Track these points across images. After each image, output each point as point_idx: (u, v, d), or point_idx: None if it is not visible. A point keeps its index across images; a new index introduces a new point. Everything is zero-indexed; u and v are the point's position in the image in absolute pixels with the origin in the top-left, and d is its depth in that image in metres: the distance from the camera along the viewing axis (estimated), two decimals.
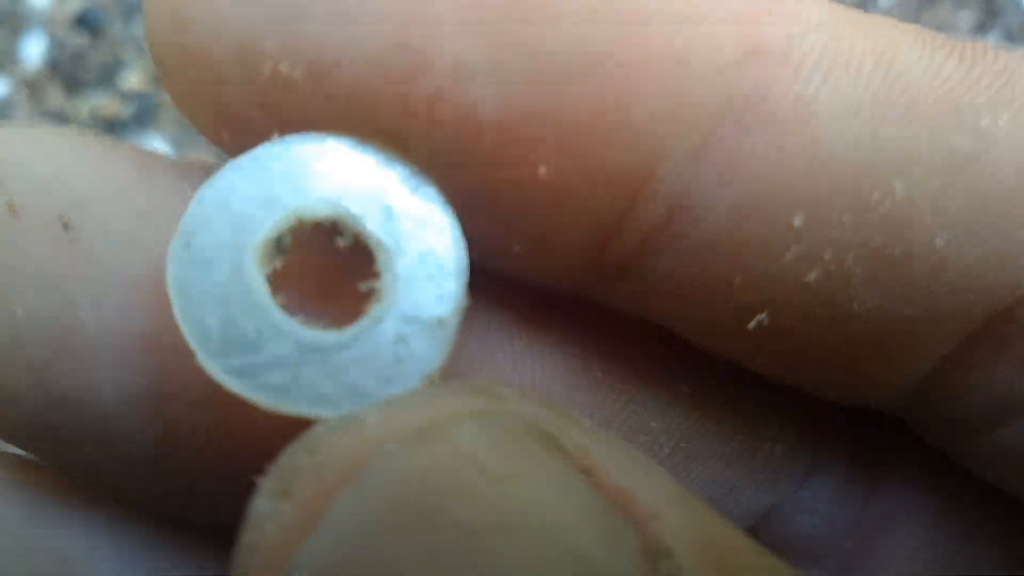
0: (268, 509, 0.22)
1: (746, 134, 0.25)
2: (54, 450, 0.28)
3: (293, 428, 0.23)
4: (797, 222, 0.26)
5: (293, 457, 0.22)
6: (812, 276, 0.26)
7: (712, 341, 0.30)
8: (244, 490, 0.27)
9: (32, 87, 1.33)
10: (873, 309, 0.27)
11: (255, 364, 0.24)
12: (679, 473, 0.32)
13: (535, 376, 0.30)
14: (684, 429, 0.32)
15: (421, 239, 0.25)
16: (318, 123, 0.25)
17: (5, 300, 0.26)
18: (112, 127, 1.30)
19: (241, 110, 0.25)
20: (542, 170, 0.25)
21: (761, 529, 0.33)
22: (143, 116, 1.30)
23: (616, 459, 0.23)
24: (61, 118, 1.32)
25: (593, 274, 0.29)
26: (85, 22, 1.35)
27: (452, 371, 0.26)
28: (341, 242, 0.25)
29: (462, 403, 0.23)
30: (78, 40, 1.35)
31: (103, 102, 1.32)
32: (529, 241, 0.27)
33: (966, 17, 1.27)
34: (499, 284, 0.30)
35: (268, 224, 0.24)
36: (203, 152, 1.27)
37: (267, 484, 0.22)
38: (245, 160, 0.24)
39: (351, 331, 0.24)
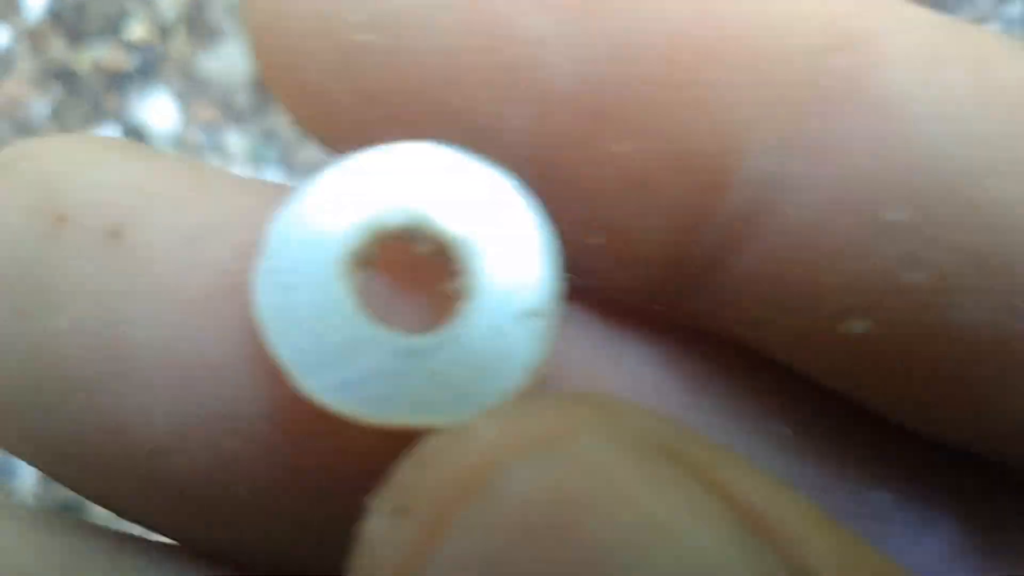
0: (384, 529, 0.20)
1: (838, 123, 0.24)
2: (99, 485, 0.26)
3: (374, 456, 0.22)
4: (894, 217, 0.25)
5: (407, 474, 0.21)
6: (911, 278, 0.25)
7: (803, 355, 0.28)
8: (305, 532, 0.26)
9: (34, 37, 1.30)
10: (977, 322, 0.25)
11: (353, 378, 0.23)
12: None
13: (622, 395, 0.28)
14: (789, 476, 0.29)
15: (502, 229, 0.24)
16: (395, 97, 0.25)
17: (49, 311, 0.24)
18: (116, 79, 1.28)
19: (324, 84, 0.25)
20: (621, 147, 0.25)
21: None
22: (148, 68, 1.27)
23: (748, 478, 0.21)
24: (63, 69, 1.29)
25: (674, 276, 0.27)
26: None
27: (550, 378, 0.25)
28: (421, 248, 0.25)
29: (582, 415, 0.21)
30: None
31: (106, 53, 1.30)
32: (608, 232, 0.26)
33: (1014, 10, 1.24)
34: (582, 304, 0.28)
35: (348, 239, 0.24)
36: (210, 110, 1.25)
37: (381, 503, 0.21)
38: (317, 179, 0.24)
39: (446, 332, 0.24)
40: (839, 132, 0.24)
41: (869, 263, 0.25)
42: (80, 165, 0.25)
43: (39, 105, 1.30)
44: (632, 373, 0.29)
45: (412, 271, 0.26)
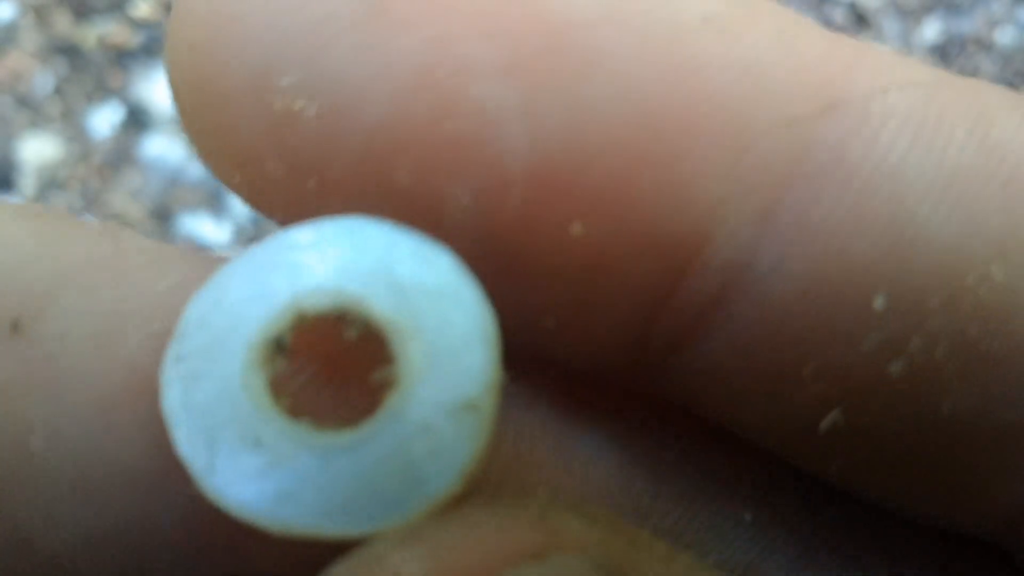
0: None
1: (819, 199, 0.22)
2: None
3: (300, 564, 0.21)
4: (878, 304, 0.23)
5: None
6: (895, 368, 0.23)
7: (775, 443, 0.26)
8: None
9: (39, 12, 1.29)
10: (967, 411, 0.23)
11: (262, 481, 0.21)
12: None
13: (575, 490, 0.26)
14: (748, 562, 0.28)
15: (438, 314, 0.21)
16: (328, 167, 0.22)
17: None
18: (120, 56, 1.27)
19: (254, 148, 0.23)
20: (577, 228, 0.22)
21: None
22: (152, 46, 1.27)
23: None
24: (68, 44, 1.29)
25: (636, 357, 0.25)
26: None
27: (493, 467, 0.23)
28: (348, 334, 0.22)
29: (516, 540, 0.20)
30: None
31: (112, 29, 1.29)
32: (562, 315, 0.24)
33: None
34: (529, 382, 0.26)
35: (262, 322, 0.21)
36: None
37: None
38: (239, 260, 0.22)
39: (369, 427, 0.21)
40: (819, 211, 0.22)
41: (848, 352, 0.23)
42: None
43: (42, 79, 1.29)
44: (589, 461, 0.27)
45: (337, 359, 0.23)
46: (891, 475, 0.25)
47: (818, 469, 0.26)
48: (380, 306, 0.21)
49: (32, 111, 1.26)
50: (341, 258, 0.21)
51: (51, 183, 1.22)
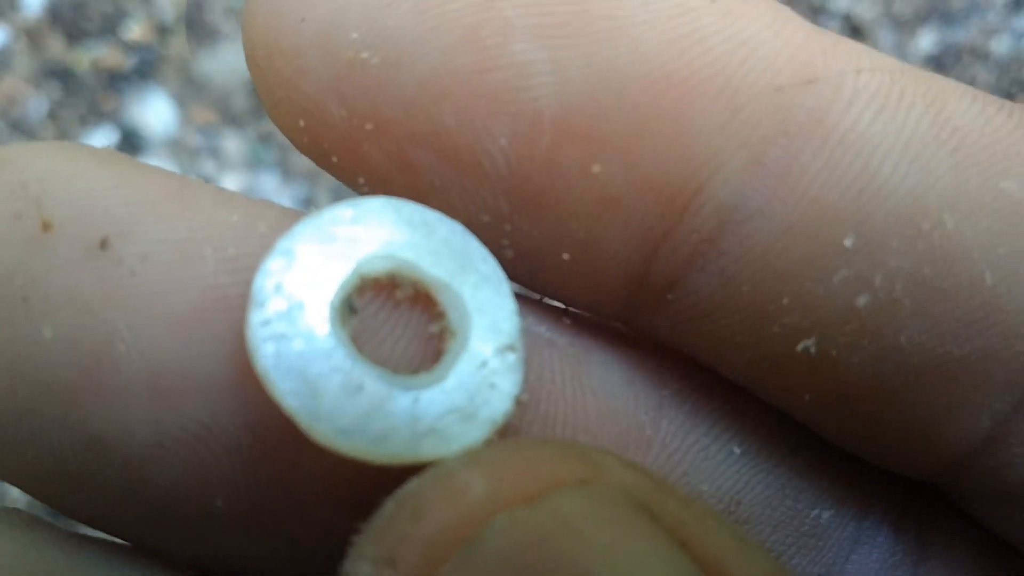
0: None
1: (799, 154, 0.26)
2: (74, 496, 0.26)
3: (350, 473, 0.24)
4: (848, 243, 0.26)
5: (396, 522, 0.22)
6: (861, 301, 0.27)
7: (756, 375, 0.29)
8: (278, 544, 0.27)
9: (32, 36, 1.29)
10: (921, 345, 0.27)
11: (362, 419, 0.24)
12: None
13: (587, 425, 0.29)
14: (734, 492, 0.31)
15: (471, 273, 0.26)
16: (385, 110, 0.26)
17: (32, 319, 0.24)
18: (113, 79, 1.27)
19: (320, 95, 0.26)
20: (596, 168, 0.26)
21: None
22: (145, 68, 1.26)
23: (712, 531, 0.23)
24: (61, 68, 1.28)
25: (639, 292, 0.29)
26: None
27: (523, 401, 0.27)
28: (401, 294, 0.26)
29: (564, 470, 0.23)
30: None
31: (104, 53, 1.29)
32: (578, 248, 0.27)
33: None
34: (551, 323, 0.30)
35: (338, 286, 0.25)
36: (207, 112, 1.24)
37: (367, 549, 0.22)
38: (297, 232, 0.25)
39: (439, 368, 0.26)
40: (801, 161, 0.26)
41: (821, 286, 0.27)
42: (69, 174, 0.25)
43: (36, 104, 1.29)
44: (595, 399, 0.30)
45: (393, 317, 0.27)
46: (853, 410, 0.29)
47: (791, 403, 0.30)
48: (427, 268, 0.26)
49: (26, 135, 1.26)
50: (388, 230, 0.26)
51: None
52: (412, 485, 0.23)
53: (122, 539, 0.27)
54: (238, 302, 0.25)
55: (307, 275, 0.25)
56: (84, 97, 1.26)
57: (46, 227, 0.24)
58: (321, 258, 0.25)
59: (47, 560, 0.26)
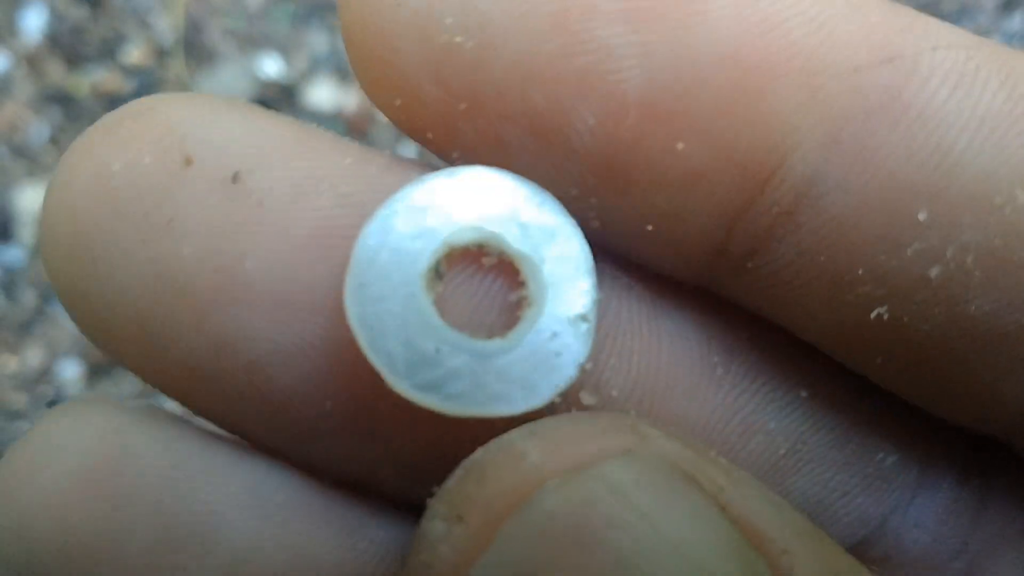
0: (442, 532, 0.24)
1: (876, 131, 0.27)
2: (206, 396, 0.29)
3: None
4: (922, 217, 0.27)
5: (463, 484, 0.25)
6: (933, 272, 0.27)
7: (829, 338, 0.31)
8: (376, 445, 0.30)
9: (32, 62, 1.30)
10: (990, 314, 0.28)
11: (437, 378, 0.27)
12: (794, 474, 0.33)
13: (660, 363, 0.32)
14: (800, 432, 0.33)
15: (555, 247, 0.28)
16: (479, 90, 0.27)
17: (174, 239, 0.27)
18: (114, 103, 1.28)
19: (416, 76, 0.28)
20: (680, 145, 0.27)
21: (873, 542, 0.35)
22: (145, 91, 1.27)
23: (749, 496, 0.25)
24: (61, 93, 1.29)
25: (719, 260, 0.30)
26: None
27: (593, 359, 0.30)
28: (487, 261, 0.28)
29: (612, 440, 0.25)
30: (78, 13, 1.32)
31: (104, 77, 1.30)
32: (662, 220, 0.29)
33: (1014, 24, 1.24)
34: (630, 272, 0.32)
35: (428, 254, 0.27)
36: None
37: (439, 508, 0.25)
38: (395, 201, 0.28)
39: (513, 335, 0.28)
40: (878, 138, 0.27)
41: (895, 258, 0.28)
42: (205, 117, 0.29)
43: (37, 129, 1.30)
44: (670, 339, 0.32)
45: (477, 283, 0.29)
46: (921, 372, 0.30)
47: (862, 364, 0.31)
48: (513, 241, 0.28)
49: (28, 161, 1.27)
50: (480, 202, 0.28)
51: None
52: (478, 453, 0.26)
53: (245, 438, 0.31)
54: (349, 231, 0.28)
55: (401, 242, 0.27)
56: (85, 122, 1.27)
57: (188, 162, 0.28)
58: (414, 227, 0.27)
59: (186, 451, 0.30)
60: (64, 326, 1.19)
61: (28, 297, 1.19)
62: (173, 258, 0.27)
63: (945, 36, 0.27)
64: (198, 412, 0.30)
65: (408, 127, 0.30)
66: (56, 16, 1.32)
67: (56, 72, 1.32)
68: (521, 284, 0.28)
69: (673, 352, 0.31)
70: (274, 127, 0.29)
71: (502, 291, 0.29)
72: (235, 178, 0.28)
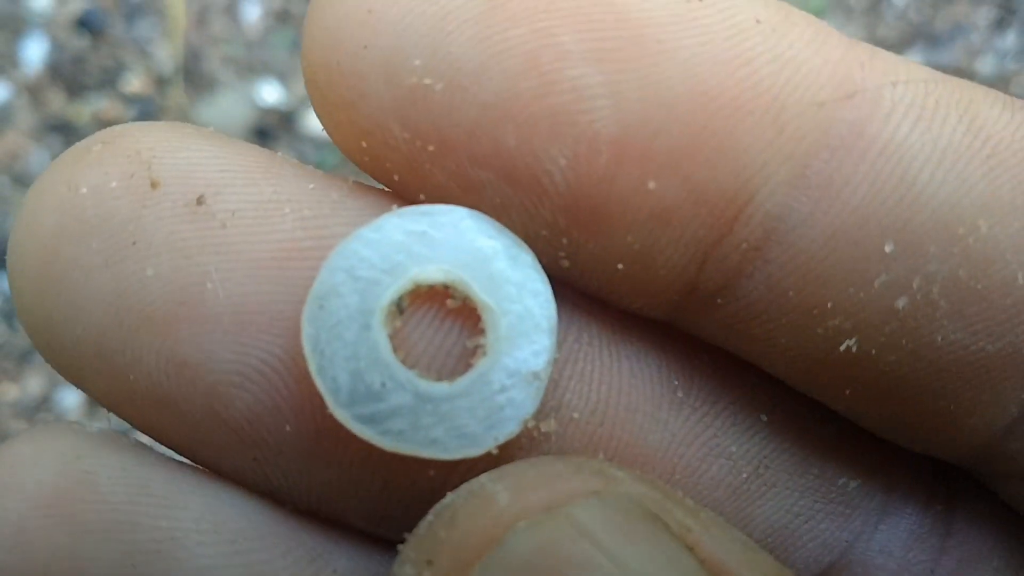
0: None
1: (841, 166, 0.27)
2: (166, 420, 0.29)
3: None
4: (888, 248, 0.27)
5: (434, 529, 0.25)
6: (901, 303, 0.28)
7: (797, 372, 0.31)
8: (336, 474, 0.30)
9: (33, 91, 1.31)
10: (956, 343, 0.28)
11: (379, 412, 0.27)
12: (758, 499, 0.33)
13: (621, 385, 0.32)
14: (762, 457, 0.33)
15: (520, 301, 0.28)
16: (449, 132, 0.27)
17: (138, 260, 0.28)
18: None
19: (383, 118, 0.28)
20: (651, 184, 0.27)
21: (839, 569, 0.35)
22: (145, 119, 1.28)
23: (717, 537, 0.25)
24: (62, 122, 1.30)
25: (689, 298, 0.30)
26: (86, 23, 1.33)
27: (550, 386, 0.30)
28: (451, 303, 0.28)
29: (581, 483, 0.25)
30: (79, 42, 1.33)
31: (104, 106, 1.30)
32: (633, 259, 0.29)
33: (984, 14, 1.25)
34: (592, 300, 0.32)
35: (392, 288, 0.27)
36: None
37: (410, 553, 0.25)
38: (367, 231, 0.28)
39: (462, 383, 0.28)
40: (843, 173, 0.27)
41: (863, 290, 0.28)
42: (175, 144, 0.29)
43: (38, 158, 1.31)
44: (630, 362, 0.32)
45: (437, 324, 0.29)
46: (887, 402, 0.30)
47: (829, 397, 0.31)
48: (480, 289, 0.28)
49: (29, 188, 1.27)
50: (454, 244, 0.28)
51: None
52: (448, 498, 0.26)
53: (206, 466, 0.31)
54: (311, 254, 0.28)
55: (368, 272, 0.27)
56: None
57: (154, 185, 0.28)
58: (384, 258, 0.28)
59: (147, 477, 0.30)
60: None
61: None
62: (136, 279, 0.28)
63: (904, 71, 0.28)
64: (159, 440, 0.30)
65: (373, 169, 0.29)
66: (57, 46, 1.33)
67: (57, 101, 1.33)
68: (481, 332, 0.28)
69: (633, 375, 0.32)
70: (239, 153, 0.29)
71: (461, 336, 0.29)
72: (200, 200, 0.28)
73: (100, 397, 0.29)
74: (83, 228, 0.28)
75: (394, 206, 0.29)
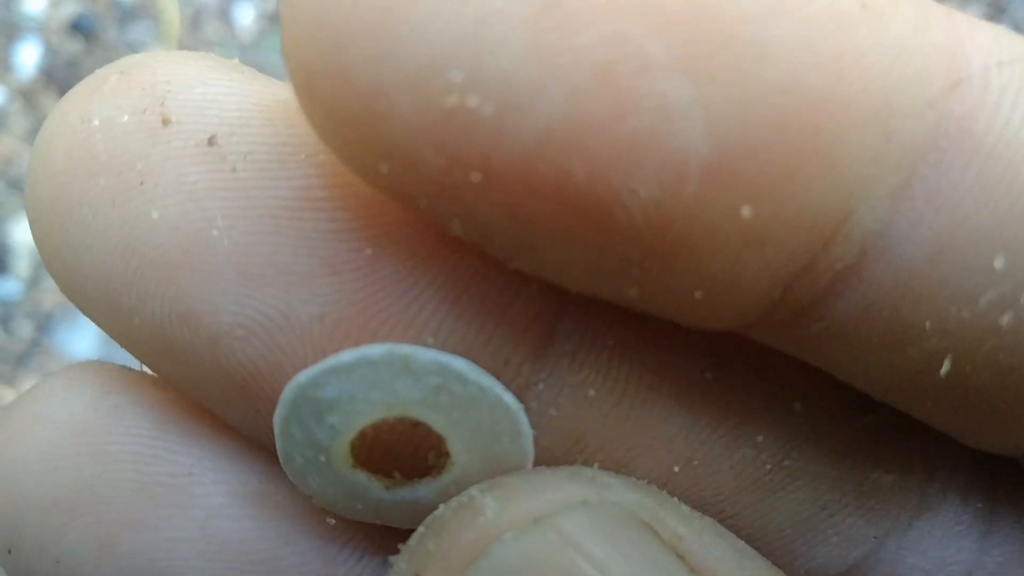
0: None
1: (948, 170, 0.24)
2: (170, 365, 0.29)
3: None
4: (998, 264, 0.24)
5: (423, 541, 0.25)
6: (1005, 320, 0.25)
7: (880, 386, 0.28)
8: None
9: (27, 96, 1.31)
10: None
11: (346, 510, 0.28)
12: (781, 490, 0.31)
13: (644, 365, 0.29)
14: (790, 447, 0.30)
15: (484, 421, 0.27)
16: (498, 162, 0.22)
17: (145, 202, 0.26)
18: None
19: (413, 140, 0.22)
20: (746, 211, 0.23)
21: (866, 568, 0.32)
22: None
23: (711, 544, 0.25)
24: None
25: (768, 317, 0.26)
26: (79, 28, 1.33)
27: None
28: (414, 431, 0.27)
29: (569, 492, 0.25)
30: (73, 47, 1.33)
31: None
32: (713, 286, 0.25)
33: (974, 12, 1.26)
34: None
35: (354, 424, 0.27)
36: None
37: (400, 566, 0.25)
38: (332, 363, 0.26)
39: (421, 489, 0.28)
40: (950, 180, 0.24)
41: (967, 309, 0.25)
42: (192, 78, 0.27)
43: None
44: (658, 339, 0.29)
45: (404, 440, 0.28)
46: (970, 411, 0.27)
47: (908, 407, 0.28)
48: (437, 421, 0.27)
49: (24, 194, 1.27)
50: (411, 380, 0.26)
51: None
52: (439, 510, 0.26)
53: (213, 412, 0.30)
54: (324, 203, 0.27)
55: (329, 411, 0.27)
56: None
57: (165, 122, 0.27)
58: (343, 395, 0.27)
59: (171, 416, 0.30)
60: (61, 358, 1.19)
61: (25, 329, 1.19)
62: (142, 221, 0.26)
63: (1007, 46, 0.24)
64: (167, 380, 0.30)
65: (396, 195, 0.25)
66: (50, 50, 1.33)
67: (51, 106, 1.33)
68: (441, 455, 0.27)
69: (660, 354, 0.29)
70: (260, 91, 0.28)
71: (427, 441, 0.28)
72: (211, 141, 0.27)
73: (112, 334, 0.29)
74: (92, 164, 0.27)
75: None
